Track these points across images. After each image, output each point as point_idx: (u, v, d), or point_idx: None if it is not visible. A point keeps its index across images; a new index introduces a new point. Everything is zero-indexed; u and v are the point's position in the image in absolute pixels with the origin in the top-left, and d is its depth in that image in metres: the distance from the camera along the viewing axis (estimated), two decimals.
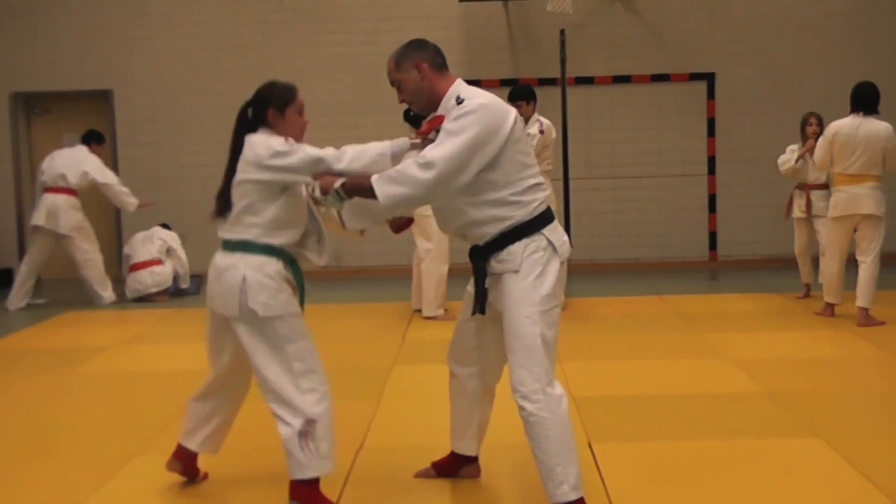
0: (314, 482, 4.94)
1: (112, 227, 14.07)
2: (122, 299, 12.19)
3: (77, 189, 11.76)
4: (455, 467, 5.44)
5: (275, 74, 13.40)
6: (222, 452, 5.52)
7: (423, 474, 5.48)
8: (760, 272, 12.84)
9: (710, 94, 13.83)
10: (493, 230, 4.71)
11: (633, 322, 9.92)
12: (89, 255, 11.90)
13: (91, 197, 12.03)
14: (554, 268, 4.74)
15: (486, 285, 4.80)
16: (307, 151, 4.90)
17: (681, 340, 9.00)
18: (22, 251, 13.90)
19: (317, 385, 4.95)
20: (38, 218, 11.61)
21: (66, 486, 5.56)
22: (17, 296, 11.87)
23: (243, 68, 13.73)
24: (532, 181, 4.77)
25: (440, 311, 10.38)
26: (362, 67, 13.62)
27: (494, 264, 4.74)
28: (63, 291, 13.01)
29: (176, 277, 12.53)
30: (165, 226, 12.90)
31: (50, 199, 11.60)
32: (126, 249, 12.65)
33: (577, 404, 6.68)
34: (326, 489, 5.32)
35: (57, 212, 11.56)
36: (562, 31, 12.75)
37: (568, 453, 4.68)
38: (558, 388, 4.69)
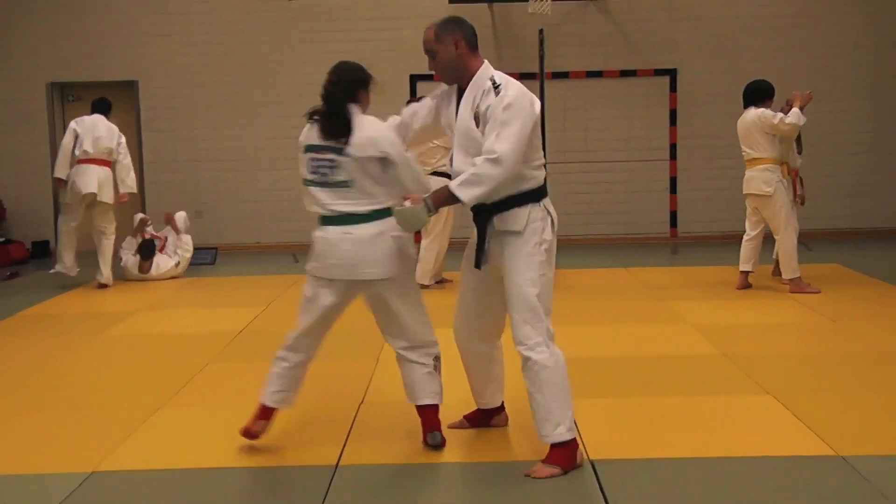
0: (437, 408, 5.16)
1: (136, 198, 13.92)
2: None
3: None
4: (485, 419, 5.47)
5: (281, 68, 13.62)
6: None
7: (457, 426, 5.46)
8: (715, 247, 12.86)
9: (673, 88, 13.84)
10: (504, 192, 4.71)
11: (604, 291, 9.95)
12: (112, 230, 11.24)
13: None
14: (548, 234, 4.82)
15: (487, 244, 4.81)
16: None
17: (646, 308, 9.04)
18: (56, 229, 13.77)
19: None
20: (90, 186, 10.73)
21: (97, 437, 5.56)
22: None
23: (252, 62, 13.73)
24: (539, 161, 4.85)
25: (432, 282, 10.43)
26: (360, 61, 13.40)
27: (498, 223, 4.76)
28: (92, 260, 12.93)
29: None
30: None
31: (100, 170, 10.81)
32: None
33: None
34: (332, 437, 5.34)
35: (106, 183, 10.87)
36: (540, 31, 12.73)
37: (566, 400, 4.78)
38: (557, 347, 4.81)
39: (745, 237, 9.76)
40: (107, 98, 11.28)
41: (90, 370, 7.25)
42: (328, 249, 4.90)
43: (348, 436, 5.39)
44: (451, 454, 5.15)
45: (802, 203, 10.21)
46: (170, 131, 13.90)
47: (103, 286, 10.82)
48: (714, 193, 13.61)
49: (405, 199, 4.74)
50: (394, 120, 5.26)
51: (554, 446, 4.78)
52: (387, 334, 5.19)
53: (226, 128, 13.84)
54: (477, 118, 4.71)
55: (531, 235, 4.75)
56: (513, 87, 4.69)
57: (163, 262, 11.50)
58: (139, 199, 13.81)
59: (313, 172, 4.92)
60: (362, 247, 4.81)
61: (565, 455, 4.79)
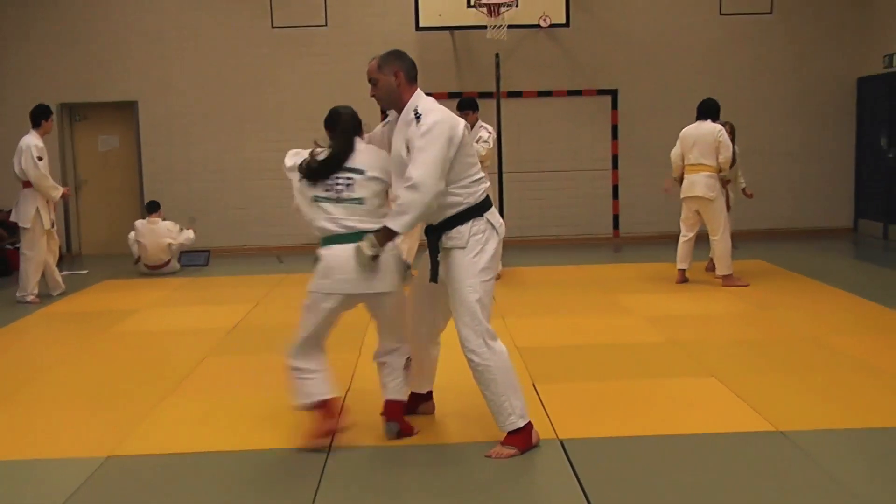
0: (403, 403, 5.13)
1: (136, 206, 13.77)
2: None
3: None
4: (413, 405, 5.36)
5: (266, 88, 13.53)
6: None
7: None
8: (653, 246, 12.87)
9: (614, 106, 13.82)
10: (445, 214, 4.68)
11: (559, 286, 9.87)
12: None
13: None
14: (492, 245, 4.75)
15: (438, 258, 4.76)
16: None
17: (598, 301, 8.99)
18: (68, 231, 13.79)
19: None
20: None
21: (111, 425, 5.45)
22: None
23: (241, 82, 13.61)
24: (476, 176, 4.77)
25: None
26: (336, 82, 13.47)
27: (445, 240, 4.71)
28: (100, 264, 12.79)
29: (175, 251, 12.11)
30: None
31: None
32: (133, 245, 11.78)
33: (521, 353, 6.69)
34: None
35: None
36: (497, 55, 12.72)
37: (513, 391, 4.71)
38: (498, 342, 4.72)
39: (682, 238, 9.74)
40: (38, 106, 10.08)
41: (101, 364, 7.08)
42: (339, 265, 4.73)
43: (339, 417, 5.29)
44: (433, 437, 5.08)
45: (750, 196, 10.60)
46: (166, 146, 13.72)
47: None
48: (651, 199, 13.60)
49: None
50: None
51: (510, 433, 4.75)
52: (382, 334, 5.12)
53: (215, 142, 13.70)
54: (408, 146, 4.63)
55: (473, 247, 4.68)
56: (432, 115, 4.62)
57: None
58: (138, 207, 13.67)
59: (327, 190, 4.78)
60: (371, 261, 4.67)
61: (521, 439, 4.76)
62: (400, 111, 4.78)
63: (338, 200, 4.76)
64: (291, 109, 13.60)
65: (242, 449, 4.96)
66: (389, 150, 4.89)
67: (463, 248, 4.65)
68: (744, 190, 10.54)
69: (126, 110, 13.72)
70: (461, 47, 13.49)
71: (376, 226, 4.65)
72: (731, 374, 6.09)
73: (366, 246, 4.57)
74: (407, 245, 10.34)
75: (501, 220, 4.86)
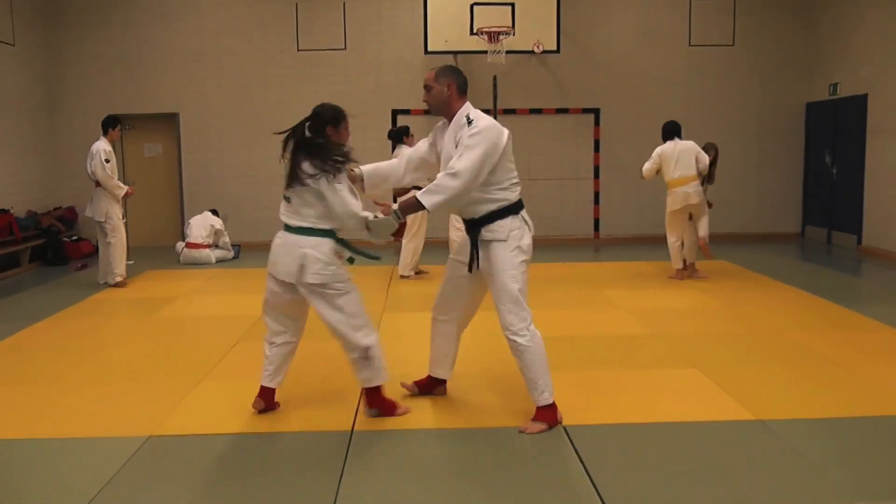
0: (379, 389, 4.80)
1: (177, 205, 13.52)
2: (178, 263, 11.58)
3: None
4: (431, 387, 5.19)
5: (289, 104, 13.29)
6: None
7: (407, 387, 5.21)
8: (628, 246, 12.62)
9: (597, 123, 13.51)
10: (486, 209, 4.53)
11: (550, 282, 9.55)
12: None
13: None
14: (527, 239, 4.61)
15: (478, 250, 4.59)
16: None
17: (586, 296, 8.70)
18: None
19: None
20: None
21: (152, 405, 5.15)
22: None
23: (267, 98, 13.31)
24: (514, 179, 4.63)
25: (412, 273, 10.09)
26: (352, 98, 13.19)
27: (485, 233, 4.54)
28: (145, 255, 12.50)
29: (219, 245, 12.01)
30: (214, 211, 12.42)
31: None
32: (185, 228, 12.05)
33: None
34: (346, 403, 4.97)
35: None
36: (494, 77, 12.48)
37: (546, 371, 4.59)
38: (535, 328, 4.58)
39: (675, 242, 9.48)
40: (108, 117, 10.01)
41: (144, 348, 6.75)
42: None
43: (360, 400, 5.01)
44: (444, 420, 4.80)
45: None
46: (203, 152, 13.42)
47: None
48: (627, 205, 13.38)
49: (377, 203, 4.61)
50: (401, 155, 4.97)
51: (540, 408, 4.59)
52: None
53: (246, 150, 13.41)
54: (457, 145, 4.49)
55: (513, 241, 4.53)
56: (482, 121, 4.52)
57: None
58: (179, 207, 13.40)
59: None
60: None
61: (550, 415, 4.60)
62: (449, 118, 4.64)
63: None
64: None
65: (272, 431, 4.67)
66: (435, 154, 4.79)
67: (504, 240, 4.51)
68: (708, 201, 10.24)
69: (169, 121, 13.40)
70: (464, 68, 13.09)
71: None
72: (710, 366, 5.82)
73: (392, 217, 4.50)
74: (414, 245, 10.08)
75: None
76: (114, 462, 4.21)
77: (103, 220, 9.70)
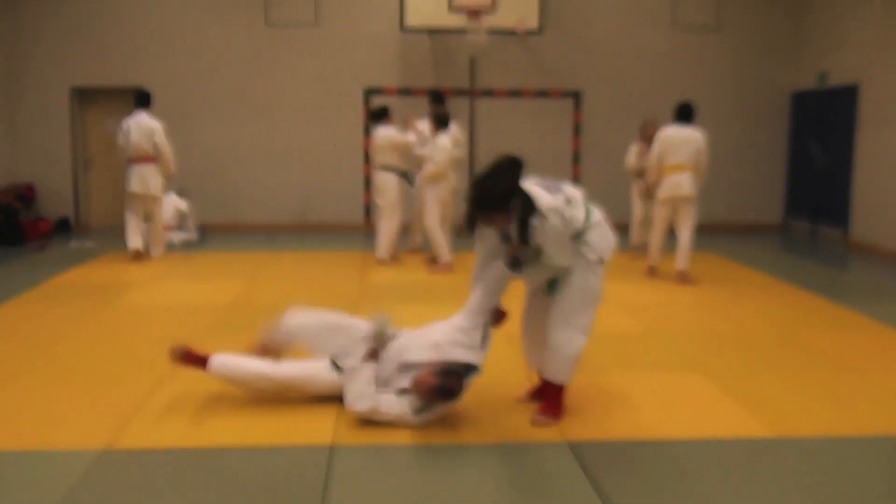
0: None
1: None
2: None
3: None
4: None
5: (260, 79, 12.64)
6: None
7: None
8: None
9: (577, 107, 13.03)
10: None
11: None
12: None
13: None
14: None
15: None
16: None
17: None
18: (77, 205, 12.94)
19: None
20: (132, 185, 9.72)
21: (107, 412, 4.58)
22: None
23: (236, 75, 12.68)
24: None
25: (387, 257, 9.61)
26: (321, 76, 12.67)
27: None
28: (106, 235, 11.87)
29: (182, 229, 11.41)
30: (179, 193, 11.79)
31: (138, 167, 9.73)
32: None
33: (510, 341, 5.83)
34: (324, 412, 4.47)
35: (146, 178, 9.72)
36: (472, 58, 11.95)
37: None
38: None
39: (658, 234, 8.87)
40: (146, 91, 10.18)
41: (99, 342, 6.12)
42: None
43: (336, 420, 4.50)
44: (441, 435, 4.30)
45: None
46: (167, 128, 12.73)
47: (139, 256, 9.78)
48: (606, 191, 12.84)
49: None
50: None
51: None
52: None
53: (212, 127, 12.77)
54: None
55: None
56: None
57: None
58: None
59: None
60: None
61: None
62: None
63: None
64: (281, 100, 12.72)
65: (242, 446, 4.13)
66: None
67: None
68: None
69: (131, 95, 12.70)
70: (440, 48, 12.63)
71: None
72: (715, 372, 5.40)
73: None
74: (392, 225, 9.54)
75: None
76: (63, 481, 3.67)
77: (160, 195, 9.85)
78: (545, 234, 4.09)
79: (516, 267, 4.29)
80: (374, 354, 4.44)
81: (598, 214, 4.41)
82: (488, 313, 4.47)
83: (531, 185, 4.19)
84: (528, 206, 4.06)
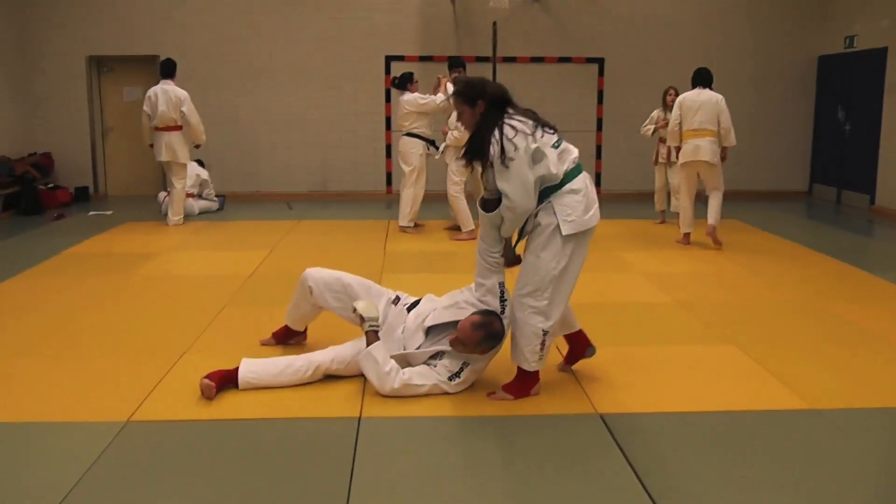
0: None
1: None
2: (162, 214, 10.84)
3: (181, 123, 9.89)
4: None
5: (276, 47, 12.50)
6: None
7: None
8: (630, 202, 12.07)
9: (601, 73, 12.85)
10: None
11: None
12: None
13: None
14: None
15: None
16: None
17: (596, 257, 8.05)
18: (95, 174, 12.89)
19: None
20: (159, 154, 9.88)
21: (130, 384, 4.50)
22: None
23: (253, 40, 12.55)
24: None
25: (411, 225, 9.52)
26: (342, 44, 12.53)
27: None
28: (124, 204, 11.84)
29: (203, 196, 11.35)
30: (200, 161, 11.72)
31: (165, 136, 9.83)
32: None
33: None
34: (353, 386, 4.38)
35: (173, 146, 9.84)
36: (494, 23, 11.81)
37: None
38: None
39: (686, 202, 8.72)
40: (170, 60, 10.23)
41: (122, 313, 6.05)
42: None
43: (364, 389, 4.42)
44: (467, 408, 4.21)
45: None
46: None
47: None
48: (629, 159, 12.78)
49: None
50: None
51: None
52: None
53: (229, 95, 12.67)
54: None
55: None
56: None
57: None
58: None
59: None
60: None
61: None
62: None
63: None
64: (302, 69, 12.58)
65: (265, 417, 4.06)
66: None
67: None
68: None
69: (149, 64, 12.60)
70: (461, 14, 12.44)
71: None
72: (749, 343, 5.27)
73: None
74: (414, 193, 9.43)
75: None
76: (89, 452, 3.62)
77: (186, 162, 10.01)
78: (506, 155, 3.91)
79: (488, 207, 4.07)
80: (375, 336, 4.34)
81: (581, 182, 4.10)
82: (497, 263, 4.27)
83: (516, 114, 4.08)
84: (495, 113, 4.05)
